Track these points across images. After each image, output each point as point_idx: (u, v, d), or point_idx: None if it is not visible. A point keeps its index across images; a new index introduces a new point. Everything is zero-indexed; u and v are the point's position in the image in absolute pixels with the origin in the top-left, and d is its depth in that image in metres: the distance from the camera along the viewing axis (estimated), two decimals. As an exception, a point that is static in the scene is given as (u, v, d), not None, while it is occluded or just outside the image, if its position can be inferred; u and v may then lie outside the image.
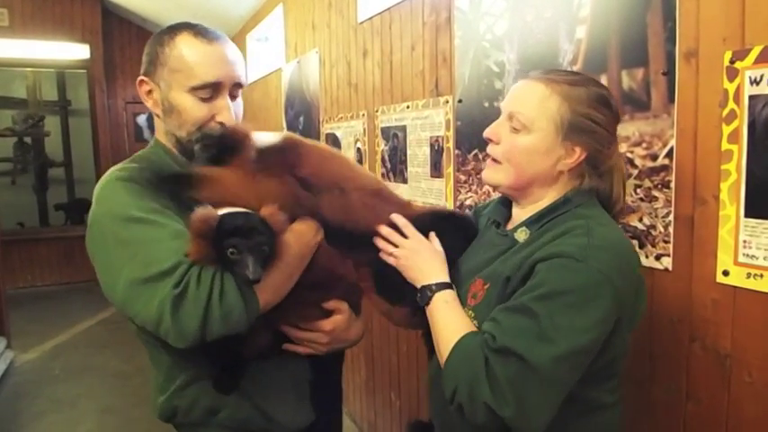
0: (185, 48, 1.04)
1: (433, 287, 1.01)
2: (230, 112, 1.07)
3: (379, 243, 1.11)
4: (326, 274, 1.08)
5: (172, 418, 1.12)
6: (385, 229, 1.10)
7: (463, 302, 1.02)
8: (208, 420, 1.09)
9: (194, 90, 1.03)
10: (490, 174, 1.05)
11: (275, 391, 1.12)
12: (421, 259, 1.06)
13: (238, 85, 1.10)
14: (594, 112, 0.96)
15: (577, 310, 0.84)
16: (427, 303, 1.01)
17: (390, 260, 1.08)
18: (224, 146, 1.00)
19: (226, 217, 0.87)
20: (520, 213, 1.05)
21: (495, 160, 1.03)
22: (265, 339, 1.06)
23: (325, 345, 1.08)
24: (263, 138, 1.06)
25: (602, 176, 1.01)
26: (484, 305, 0.97)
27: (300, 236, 0.99)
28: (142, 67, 1.11)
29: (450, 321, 0.96)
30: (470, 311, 0.99)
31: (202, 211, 0.86)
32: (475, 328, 0.94)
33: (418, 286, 1.04)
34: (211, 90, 1.04)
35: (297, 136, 1.13)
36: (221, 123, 1.05)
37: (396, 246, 1.09)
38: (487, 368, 0.84)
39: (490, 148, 1.04)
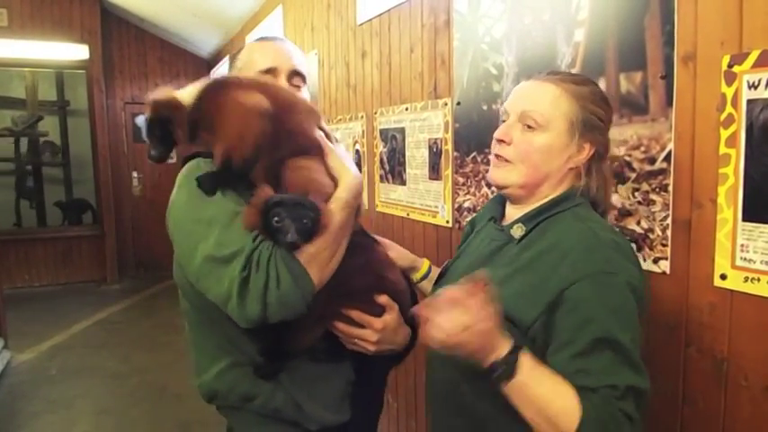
0: (250, 48, 1.26)
1: (512, 356, 0.84)
2: None
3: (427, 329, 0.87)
4: (377, 278, 1.10)
5: (212, 400, 1.18)
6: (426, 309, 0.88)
7: None
8: (244, 405, 1.14)
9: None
10: (501, 174, 1.02)
11: (311, 386, 1.14)
12: (482, 330, 0.84)
13: (297, 74, 1.23)
14: (599, 110, 0.99)
15: (632, 319, 0.87)
16: (511, 376, 0.84)
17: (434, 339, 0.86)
18: (161, 120, 1.01)
19: (276, 194, 0.95)
20: (514, 212, 1.05)
21: (504, 160, 1.02)
22: (316, 334, 1.08)
23: (373, 344, 1.08)
24: (186, 92, 1.04)
25: (597, 174, 1.03)
26: None
27: (339, 202, 1.01)
28: None
29: (552, 384, 0.84)
30: None
31: (262, 189, 0.96)
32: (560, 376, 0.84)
33: (487, 362, 0.85)
34: (268, 76, 1.18)
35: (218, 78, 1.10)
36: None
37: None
38: (623, 414, 0.82)
39: (500, 149, 1.02)
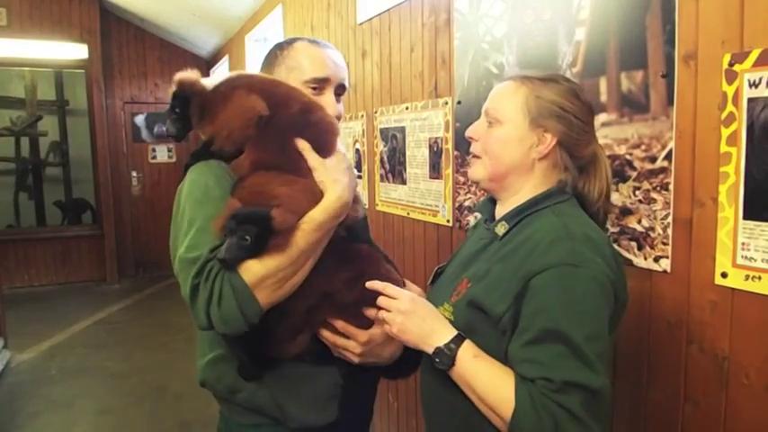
0: (302, 50, 1.23)
1: (452, 345, 0.93)
2: (334, 106, 1.22)
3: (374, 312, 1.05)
4: (367, 291, 1.08)
5: (203, 386, 1.21)
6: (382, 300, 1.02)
7: (447, 298, 1.03)
8: (230, 397, 1.16)
9: (306, 83, 1.19)
10: (472, 170, 1.10)
11: (294, 386, 1.14)
12: (419, 319, 0.97)
13: (342, 87, 1.26)
14: (562, 100, 1.01)
15: (593, 315, 0.87)
16: (450, 365, 0.93)
17: (386, 329, 1.01)
18: (181, 99, 1.07)
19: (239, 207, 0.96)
20: (500, 210, 1.08)
21: (476, 157, 1.08)
22: (300, 344, 1.09)
23: (357, 355, 1.08)
24: (210, 80, 1.11)
25: (583, 171, 1.04)
26: (462, 301, 0.99)
27: (310, 223, 0.99)
28: (260, 69, 1.28)
29: (491, 375, 0.90)
30: (451, 307, 1.01)
31: (231, 201, 0.98)
32: (507, 368, 0.90)
33: (429, 350, 0.95)
34: (320, 85, 1.21)
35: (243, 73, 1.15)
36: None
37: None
38: (564, 410, 0.83)
39: (472, 146, 1.09)
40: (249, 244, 0.93)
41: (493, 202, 1.13)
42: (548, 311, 0.86)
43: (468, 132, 1.09)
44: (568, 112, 1.00)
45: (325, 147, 1.08)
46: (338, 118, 1.23)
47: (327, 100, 1.21)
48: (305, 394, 1.15)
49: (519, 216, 1.01)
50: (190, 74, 1.08)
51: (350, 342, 1.07)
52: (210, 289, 0.93)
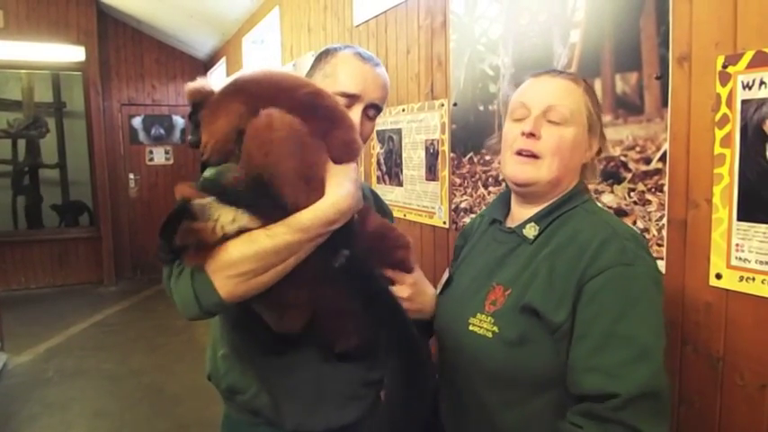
0: (342, 60, 1.19)
1: None
2: (357, 125, 1.14)
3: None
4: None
5: (210, 380, 1.21)
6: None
7: (479, 309, 0.97)
8: (230, 397, 1.16)
9: (335, 95, 1.13)
10: (531, 170, 0.96)
11: (292, 389, 1.13)
12: None
13: (375, 107, 1.20)
14: (599, 109, 1.01)
15: (653, 312, 0.87)
16: None
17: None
18: (194, 107, 1.05)
19: None
20: (525, 211, 1.02)
21: (531, 156, 0.97)
22: (298, 317, 1.01)
23: (407, 299, 1.07)
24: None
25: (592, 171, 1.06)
26: (507, 310, 0.93)
27: (293, 224, 0.92)
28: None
29: None
30: (490, 317, 0.95)
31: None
32: None
33: None
34: (349, 100, 1.16)
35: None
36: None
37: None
38: (626, 428, 0.80)
39: (531, 144, 0.96)
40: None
41: (506, 203, 1.09)
42: (608, 314, 0.83)
43: (530, 128, 0.95)
44: (600, 119, 1.01)
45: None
46: (362, 137, 1.16)
47: (352, 117, 1.15)
48: (302, 398, 1.13)
49: (550, 216, 0.97)
50: (199, 81, 1.06)
51: (399, 287, 1.08)
52: (180, 271, 0.91)
